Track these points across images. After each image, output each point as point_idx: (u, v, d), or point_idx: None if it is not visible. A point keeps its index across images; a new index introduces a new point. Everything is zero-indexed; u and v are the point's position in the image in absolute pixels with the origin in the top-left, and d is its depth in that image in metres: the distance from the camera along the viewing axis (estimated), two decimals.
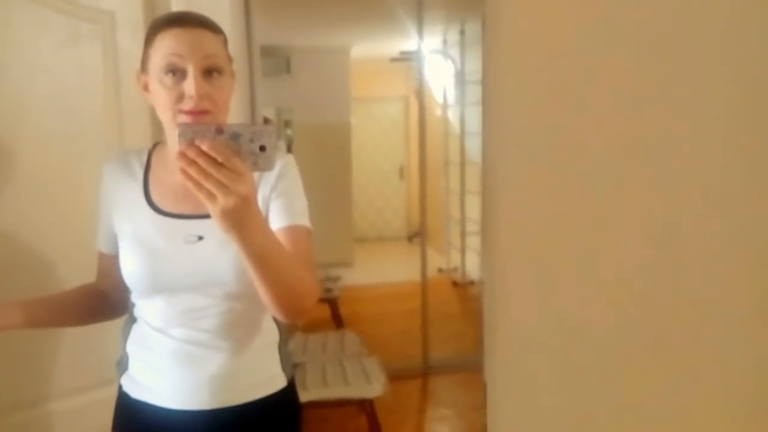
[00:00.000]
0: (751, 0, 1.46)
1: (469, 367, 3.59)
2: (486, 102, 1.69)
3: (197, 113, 1.00)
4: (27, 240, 1.54)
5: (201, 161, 0.80)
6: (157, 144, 1.19)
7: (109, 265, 1.18)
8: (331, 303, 3.83)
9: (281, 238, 1.00)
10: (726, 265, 1.54)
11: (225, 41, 1.09)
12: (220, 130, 0.82)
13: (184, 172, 0.80)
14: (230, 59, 1.10)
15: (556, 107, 1.58)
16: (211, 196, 0.81)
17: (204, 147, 0.80)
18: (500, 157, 1.69)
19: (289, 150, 5.70)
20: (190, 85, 1.00)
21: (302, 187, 1.12)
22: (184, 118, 1.01)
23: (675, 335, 1.57)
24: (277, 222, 1.07)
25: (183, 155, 0.80)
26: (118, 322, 1.22)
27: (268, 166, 0.84)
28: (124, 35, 1.62)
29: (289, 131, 5.82)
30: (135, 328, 1.16)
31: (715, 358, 1.58)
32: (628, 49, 1.53)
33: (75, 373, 1.61)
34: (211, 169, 0.80)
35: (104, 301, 1.23)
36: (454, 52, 5.30)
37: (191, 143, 0.80)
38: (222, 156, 0.80)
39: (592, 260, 1.60)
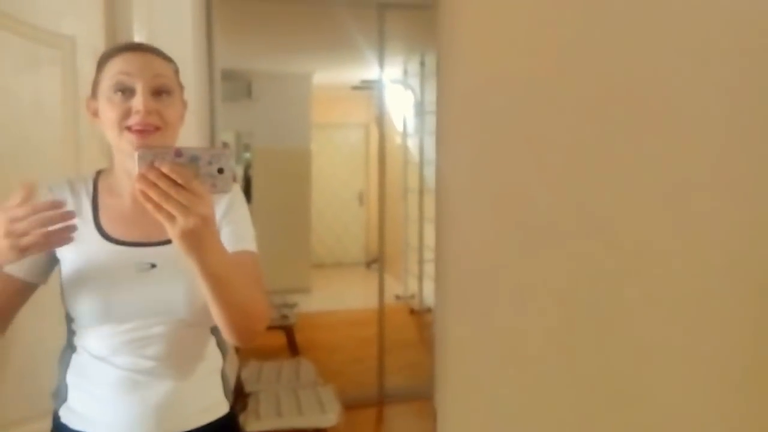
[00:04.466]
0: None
1: (425, 395, 3.59)
2: (439, 131, 1.74)
3: (144, 129, 1.00)
4: None
5: (161, 183, 0.82)
6: (101, 171, 1.17)
7: (15, 290, 1.08)
8: (287, 330, 3.78)
9: None
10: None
11: (176, 71, 1.10)
12: (179, 153, 0.84)
13: (143, 194, 0.82)
14: (181, 87, 1.10)
15: (505, 134, 1.63)
16: (171, 218, 0.82)
17: (164, 169, 0.82)
18: (451, 185, 1.73)
19: (246, 174, 5.66)
20: (137, 101, 1.01)
21: (249, 215, 1.15)
22: (130, 137, 1.01)
23: (616, 353, 1.60)
24: (226, 247, 1.08)
25: (143, 177, 0.82)
26: (55, 351, 1.16)
27: (225, 188, 0.87)
28: (84, 61, 1.61)
29: (248, 155, 5.79)
30: (75, 357, 1.12)
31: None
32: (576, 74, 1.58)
33: (6, 405, 1.53)
34: (172, 191, 0.82)
35: None
36: (414, 82, 5.39)
37: (151, 166, 0.82)
38: (182, 178, 0.82)
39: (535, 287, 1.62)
